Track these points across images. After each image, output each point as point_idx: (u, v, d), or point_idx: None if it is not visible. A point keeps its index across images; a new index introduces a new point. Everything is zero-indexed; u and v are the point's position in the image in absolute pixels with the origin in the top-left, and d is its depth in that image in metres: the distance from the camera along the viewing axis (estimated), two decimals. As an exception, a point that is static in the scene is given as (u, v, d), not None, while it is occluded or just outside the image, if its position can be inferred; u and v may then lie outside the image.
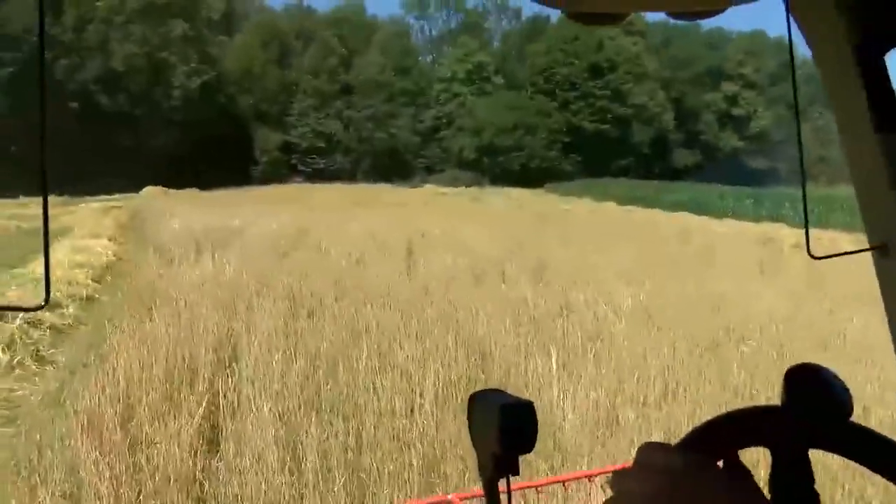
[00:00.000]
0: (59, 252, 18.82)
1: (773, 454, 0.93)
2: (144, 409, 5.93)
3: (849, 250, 1.47)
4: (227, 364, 7.53)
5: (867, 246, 1.26)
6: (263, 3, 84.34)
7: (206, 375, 6.88)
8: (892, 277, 1.24)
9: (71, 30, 55.95)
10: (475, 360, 7.44)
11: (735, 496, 0.78)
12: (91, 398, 6.04)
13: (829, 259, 1.42)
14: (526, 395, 0.95)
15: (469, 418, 0.99)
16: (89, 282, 15.60)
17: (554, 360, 7.51)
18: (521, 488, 3.68)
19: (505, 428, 0.91)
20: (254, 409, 5.87)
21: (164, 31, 60.15)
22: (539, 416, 0.91)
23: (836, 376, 0.94)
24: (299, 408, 6.03)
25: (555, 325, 9.16)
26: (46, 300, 0.88)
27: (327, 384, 6.62)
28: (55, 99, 50.80)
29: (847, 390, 0.93)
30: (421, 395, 6.10)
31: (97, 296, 14.95)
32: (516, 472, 0.95)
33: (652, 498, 0.77)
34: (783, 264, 16.45)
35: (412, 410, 5.87)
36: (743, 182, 64.96)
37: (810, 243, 1.35)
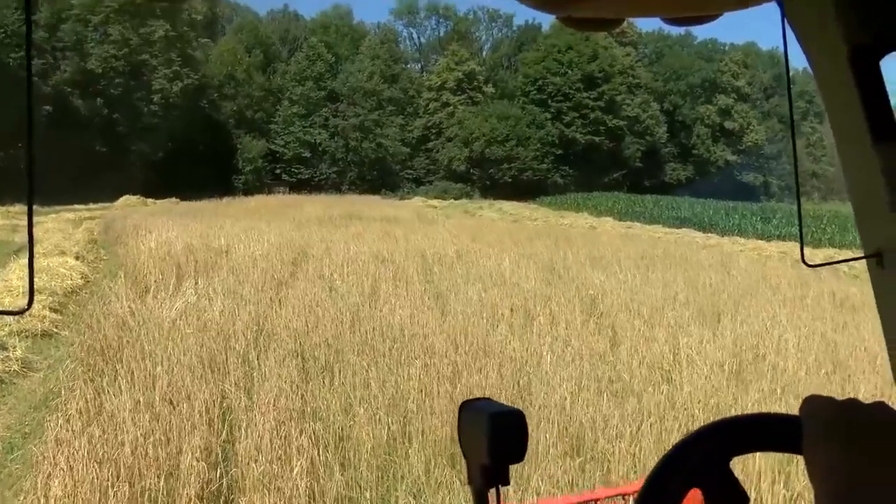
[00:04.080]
0: (13, 273, 16.19)
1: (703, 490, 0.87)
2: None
3: (843, 258, 1.54)
4: (222, 473, 5.13)
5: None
6: (247, 6, 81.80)
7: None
8: (886, 286, 1.23)
9: (44, 28, 52.94)
10: (580, 462, 5.10)
11: None
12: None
13: None
14: None
15: (458, 428, 0.97)
16: (47, 312, 13.06)
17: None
18: None
19: (494, 437, 0.89)
20: None
21: (145, 32, 57.27)
22: None
23: None
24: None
25: (659, 396, 6.83)
26: (29, 304, 0.86)
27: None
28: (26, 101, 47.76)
29: None
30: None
31: (55, 330, 12.43)
32: (506, 483, 0.92)
33: None
34: (859, 295, 14.22)
35: None
36: (734, 197, 63.16)
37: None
